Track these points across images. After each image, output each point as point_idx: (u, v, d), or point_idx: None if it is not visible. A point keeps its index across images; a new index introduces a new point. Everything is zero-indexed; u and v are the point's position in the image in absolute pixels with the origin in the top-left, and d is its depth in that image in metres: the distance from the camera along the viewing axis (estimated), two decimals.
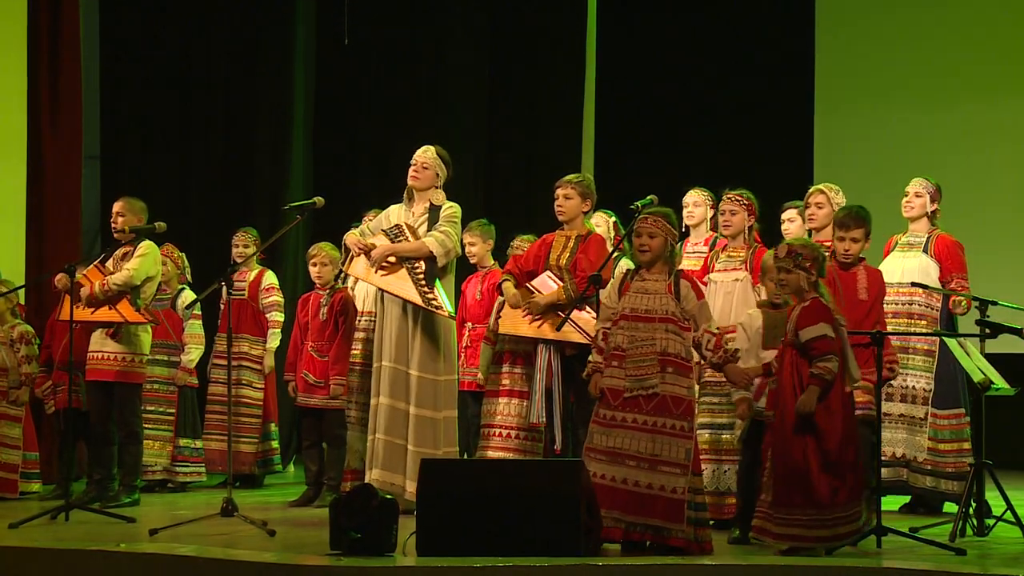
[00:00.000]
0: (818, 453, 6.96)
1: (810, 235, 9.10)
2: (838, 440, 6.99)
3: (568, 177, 8.86)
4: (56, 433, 11.04)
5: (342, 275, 9.89)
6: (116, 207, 9.80)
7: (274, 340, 11.15)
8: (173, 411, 10.90)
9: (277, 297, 11.20)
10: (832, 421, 7.00)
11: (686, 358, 7.23)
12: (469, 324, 10.06)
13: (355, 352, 9.71)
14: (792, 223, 9.35)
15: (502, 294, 8.77)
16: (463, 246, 10.24)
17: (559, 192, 8.78)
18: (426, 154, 9.11)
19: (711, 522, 7.54)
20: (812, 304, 7.13)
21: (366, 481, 8.64)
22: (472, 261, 10.34)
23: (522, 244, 9.98)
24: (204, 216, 13.71)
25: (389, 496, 7.09)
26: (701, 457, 7.54)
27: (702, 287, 7.81)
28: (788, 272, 7.21)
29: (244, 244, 11.15)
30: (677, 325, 7.19)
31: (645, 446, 7.05)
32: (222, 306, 9.69)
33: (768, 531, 7.04)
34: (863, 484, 7.23)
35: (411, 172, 9.08)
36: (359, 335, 9.74)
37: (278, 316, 11.12)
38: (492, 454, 8.64)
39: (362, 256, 8.91)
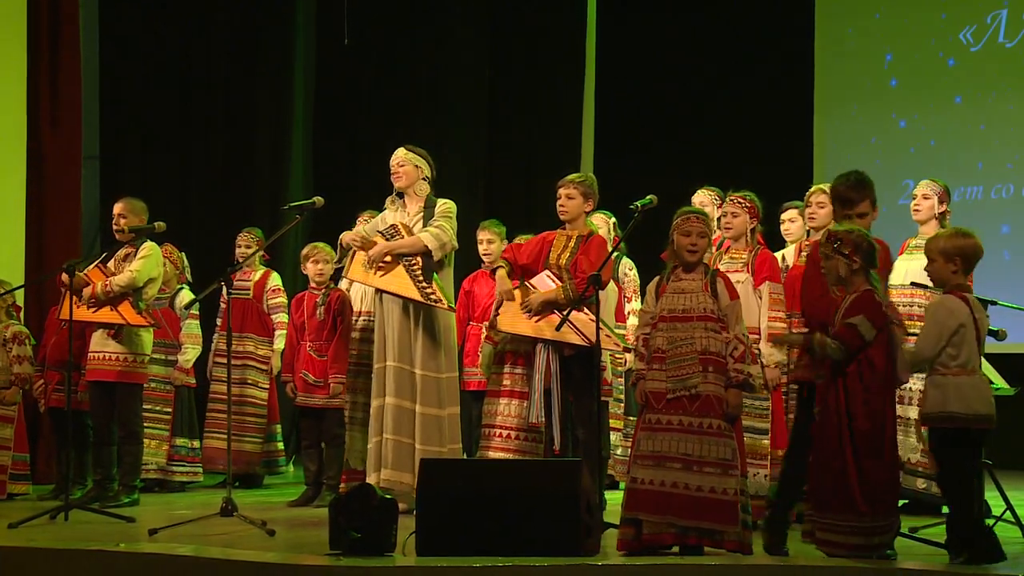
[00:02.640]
0: (856, 458, 6.70)
1: (808, 235, 9.10)
2: (877, 445, 6.73)
3: (571, 176, 8.85)
4: (51, 432, 11.06)
5: (341, 276, 9.91)
6: (117, 208, 9.81)
7: (280, 341, 11.11)
8: (170, 410, 10.93)
9: (283, 299, 11.19)
10: (873, 425, 6.73)
11: (727, 357, 7.10)
12: (483, 324, 10.08)
13: (351, 352, 9.73)
14: (793, 223, 9.33)
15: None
16: (475, 243, 10.33)
17: (561, 192, 8.76)
18: (398, 155, 9.16)
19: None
20: (861, 296, 6.85)
21: (373, 482, 8.64)
22: (488, 260, 10.37)
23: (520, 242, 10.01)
24: (204, 216, 13.73)
25: (389, 496, 7.07)
26: None
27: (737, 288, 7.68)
28: (827, 258, 6.93)
29: (247, 244, 11.16)
30: (716, 323, 7.06)
31: (692, 448, 6.91)
32: (223, 305, 9.72)
33: (813, 535, 6.84)
34: (898, 493, 6.93)
35: (392, 175, 9.13)
36: (354, 335, 9.76)
37: (283, 317, 11.08)
38: (492, 454, 8.62)
39: (360, 259, 8.91)
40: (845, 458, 6.71)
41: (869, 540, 6.68)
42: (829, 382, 6.85)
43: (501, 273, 8.73)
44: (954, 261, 6.93)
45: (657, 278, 7.36)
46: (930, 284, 8.44)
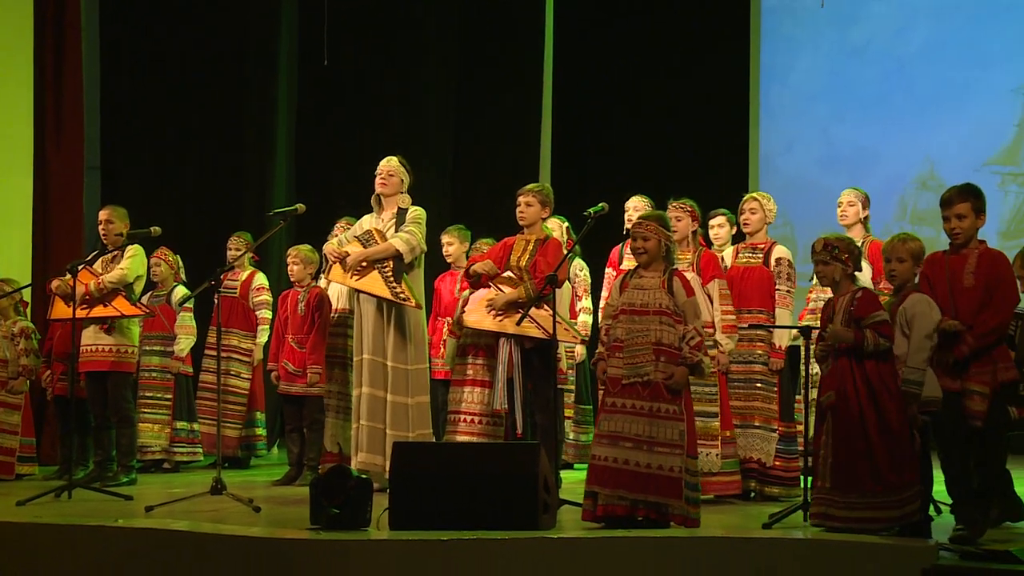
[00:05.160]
0: (880, 437, 6.65)
1: (743, 238, 9.14)
2: (898, 423, 6.69)
3: (529, 186, 8.89)
4: (56, 418, 11.06)
5: (322, 278, 9.92)
6: (103, 215, 9.84)
7: (262, 335, 11.17)
8: (170, 396, 10.93)
9: (266, 296, 11.23)
10: (891, 405, 6.69)
11: (680, 348, 7.11)
12: (449, 319, 10.09)
13: (328, 345, 9.74)
14: (721, 228, 9.36)
15: (470, 277, 8.78)
16: (441, 246, 10.35)
17: (521, 199, 8.79)
18: (389, 163, 9.14)
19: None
20: (865, 294, 6.88)
21: (352, 465, 8.65)
22: (449, 260, 10.42)
23: (481, 247, 10.03)
24: (196, 221, 13.69)
25: (365, 475, 7.07)
26: None
27: (695, 286, 7.66)
28: (825, 264, 6.97)
29: (237, 247, 11.16)
30: (671, 318, 7.08)
31: (643, 429, 6.95)
32: (215, 302, 9.73)
33: (833, 516, 6.73)
34: (918, 464, 6.81)
35: (378, 181, 9.11)
36: (332, 329, 9.76)
37: (266, 313, 11.14)
38: (458, 438, 8.64)
39: (339, 263, 8.93)
40: (869, 437, 6.68)
41: (903, 510, 6.64)
42: (842, 371, 6.82)
43: (478, 264, 8.72)
44: (919, 262, 7.00)
45: (623, 275, 7.41)
46: (861, 284, 8.45)
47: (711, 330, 8.33)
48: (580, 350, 10.30)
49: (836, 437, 6.81)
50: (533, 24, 14.58)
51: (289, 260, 10.12)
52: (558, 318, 8.07)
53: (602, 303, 9.83)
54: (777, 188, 9.75)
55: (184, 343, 10.96)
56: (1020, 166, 12.48)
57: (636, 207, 9.49)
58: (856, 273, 7.09)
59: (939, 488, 7.17)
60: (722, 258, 9.11)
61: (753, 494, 8.73)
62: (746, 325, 8.77)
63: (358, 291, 8.98)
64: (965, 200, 7.02)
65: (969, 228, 7.03)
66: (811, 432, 7.33)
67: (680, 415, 7.01)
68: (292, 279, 10.10)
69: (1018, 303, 6.98)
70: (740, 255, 9.04)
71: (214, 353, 10.84)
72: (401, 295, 8.77)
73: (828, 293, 9.05)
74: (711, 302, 8.47)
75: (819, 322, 7.35)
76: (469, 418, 8.69)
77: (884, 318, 6.79)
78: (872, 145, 13.22)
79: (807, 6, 13.59)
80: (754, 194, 9.23)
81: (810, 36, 13.77)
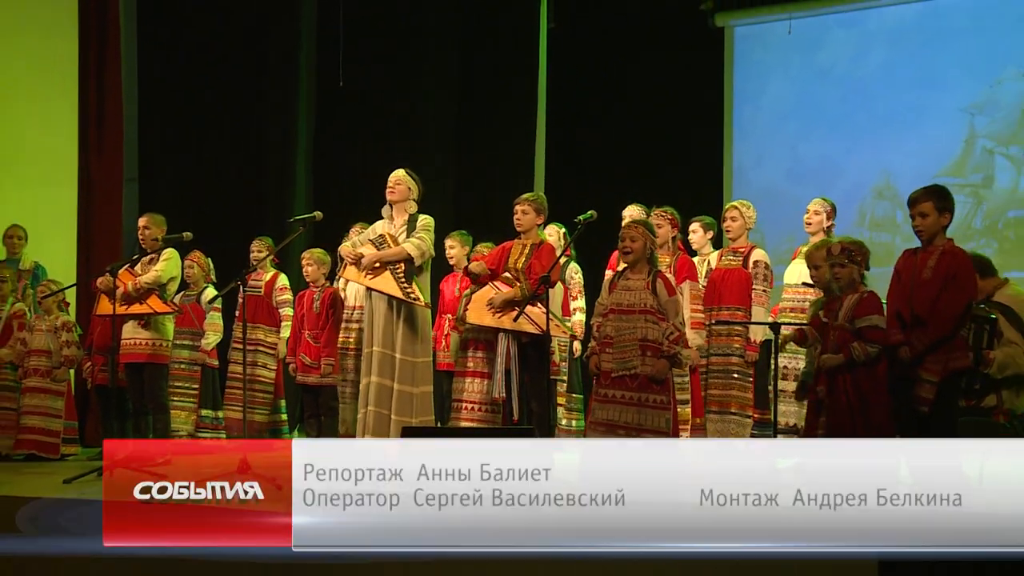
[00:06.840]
0: (868, 432, 6.67)
1: (723, 244, 9.24)
2: (883, 419, 6.74)
3: (525, 195, 8.96)
4: (97, 405, 11.16)
5: (337, 277, 10.01)
6: (142, 221, 9.97)
7: (286, 331, 11.22)
8: (196, 386, 10.99)
9: (288, 295, 11.26)
10: (879, 403, 6.76)
11: (662, 342, 7.23)
12: (449, 316, 10.18)
13: (348, 339, 9.83)
14: (695, 234, 9.47)
15: (469, 274, 8.88)
16: (444, 249, 10.43)
17: (518, 208, 8.86)
18: (397, 174, 9.19)
19: None
20: (869, 297, 6.90)
21: None
22: (451, 263, 10.49)
23: (481, 250, 10.11)
24: (223, 227, 13.72)
25: None
26: None
27: (675, 286, 7.74)
28: (842, 266, 6.93)
29: (259, 250, 11.22)
30: (655, 316, 7.22)
31: (632, 417, 7.10)
32: (240, 300, 9.83)
33: None
34: None
35: (388, 191, 9.18)
36: (351, 325, 9.85)
37: (289, 311, 11.16)
38: (461, 423, 8.72)
39: (354, 264, 9.02)
40: (856, 434, 6.68)
41: None
42: (838, 374, 6.84)
43: (475, 263, 8.83)
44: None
45: (612, 274, 7.51)
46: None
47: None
48: (577, 345, 10.39)
49: (829, 426, 6.86)
50: (527, 45, 14.61)
51: (304, 262, 10.27)
52: (551, 315, 8.15)
53: None
54: (749, 198, 9.82)
55: (211, 338, 11.04)
56: (967, 178, 12.55)
57: (632, 214, 9.59)
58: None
59: None
60: (708, 260, 9.22)
61: None
62: (712, 322, 8.88)
63: (371, 289, 9.07)
64: (928, 199, 6.89)
65: (932, 225, 6.87)
66: (780, 419, 7.42)
67: (667, 405, 7.15)
68: (307, 279, 10.26)
69: (968, 301, 6.90)
70: (723, 258, 9.16)
71: (239, 346, 10.98)
72: (412, 295, 8.85)
73: (804, 294, 9.18)
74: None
75: (824, 315, 7.24)
76: (470, 406, 8.76)
77: (877, 323, 6.81)
78: (835, 159, 13.25)
79: (776, 33, 13.65)
80: (735, 203, 9.35)
81: (779, 61, 13.80)
